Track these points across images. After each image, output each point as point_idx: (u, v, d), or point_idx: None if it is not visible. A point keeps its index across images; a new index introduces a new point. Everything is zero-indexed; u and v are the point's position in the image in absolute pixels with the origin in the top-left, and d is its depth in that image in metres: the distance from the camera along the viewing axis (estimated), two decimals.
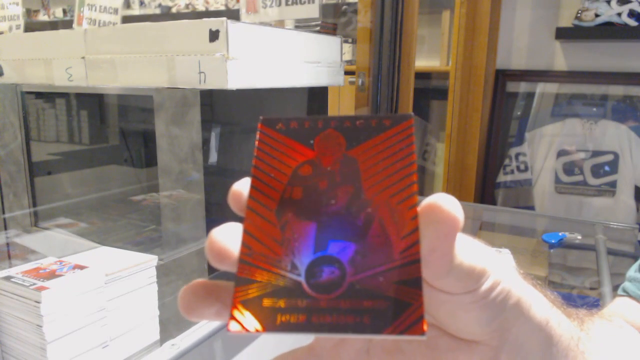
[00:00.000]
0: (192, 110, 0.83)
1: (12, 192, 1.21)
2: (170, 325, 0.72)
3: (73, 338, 0.56)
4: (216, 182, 0.88)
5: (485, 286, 0.23)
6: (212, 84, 0.75)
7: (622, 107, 1.78)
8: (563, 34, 1.77)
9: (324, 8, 2.35)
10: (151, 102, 0.87)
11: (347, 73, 1.13)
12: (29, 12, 3.60)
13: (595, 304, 1.00)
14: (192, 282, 0.23)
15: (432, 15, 2.22)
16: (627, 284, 0.53)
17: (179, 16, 2.96)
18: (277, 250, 0.21)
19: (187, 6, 2.92)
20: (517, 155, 1.90)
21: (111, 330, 0.61)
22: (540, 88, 1.91)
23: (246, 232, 0.22)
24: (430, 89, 2.24)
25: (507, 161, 1.92)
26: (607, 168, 1.77)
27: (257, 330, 0.19)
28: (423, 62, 2.24)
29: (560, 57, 1.87)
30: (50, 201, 1.20)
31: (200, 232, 0.86)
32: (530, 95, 1.93)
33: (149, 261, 0.65)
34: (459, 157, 1.89)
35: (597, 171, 1.78)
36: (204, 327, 0.65)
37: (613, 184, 1.76)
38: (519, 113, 1.95)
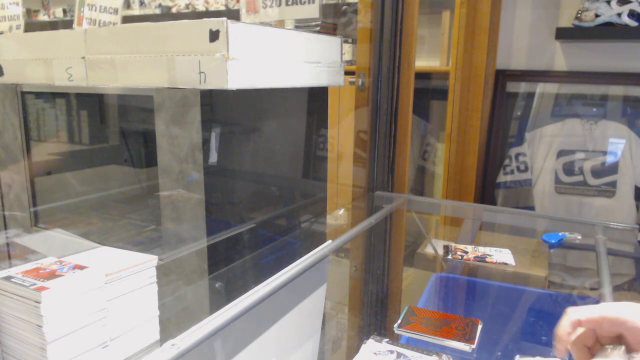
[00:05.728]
0: (192, 110, 0.83)
1: (12, 192, 1.21)
2: (170, 325, 0.72)
3: (73, 338, 0.56)
4: (216, 182, 0.88)
5: None
6: (212, 84, 0.75)
7: (622, 107, 1.78)
8: (563, 34, 1.77)
9: (324, 8, 2.35)
10: (151, 102, 0.87)
11: (347, 73, 1.13)
12: (29, 12, 3.60)
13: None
14: None
15: (432, 15, 2.22)
16: None
17: (179, 16, 2.96)
18: None
19: (187, 6, 2.92)
20: (517, 155, 1.90)
21: (111, 330, 0.61)
22: (540, 88, 1.91)
23: None
24: (430, 89, 2.24)
25: (507, 161, 1.92)
26: (607, 168, 1.77)
27: None
28: (423, 62, 2.24)
29: (560, 57, 1.87)
30: (50, 201, 1.20)
31: (200, 232, 0.87)
32: (530, 96, 1.93)
33: (149, 261, 0.65)
34: (459, 157, 1.89)
35: (597, 171, 1.78)
36: (204, 327, 0.65)
37: (613, 184, 1.76)
38: (519, 113, 1.95)
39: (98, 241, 1.07)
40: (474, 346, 0.88)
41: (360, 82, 1.48)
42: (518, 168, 1.90)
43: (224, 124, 0.88)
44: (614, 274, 0.99)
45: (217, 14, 2.81)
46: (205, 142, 0.84)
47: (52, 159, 1.25)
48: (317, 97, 1.16)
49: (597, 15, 1.64)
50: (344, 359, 1.11)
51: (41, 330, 0.53)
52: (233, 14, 2.69)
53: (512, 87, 1.95)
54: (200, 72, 0.75)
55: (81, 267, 0.60)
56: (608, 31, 1.66)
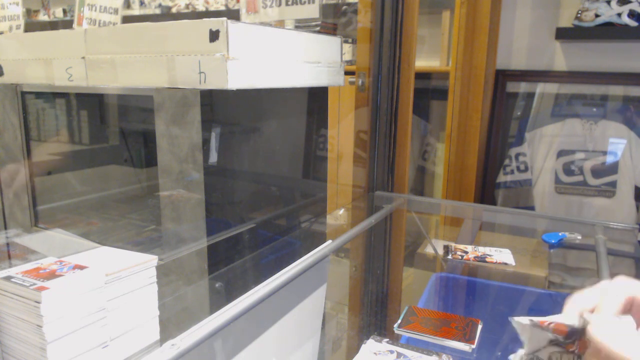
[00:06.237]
0: (192, 110, 0.83)
1: (12, 192, 1.21)
2: (170, 325, 0.72)
3: (73, 338, 0.56)
4: (216, 182, 0.88)
5: None
6: (212, 84, 0.75)
7: (622, 107, 1.78)
8: (563, 34, 1.77)
9: (324, 8, 2.35)
10: (151, 102, 0.87)
11: (347, 73, 1.13)
12: (29, 12, 3.60)
13: None
14: None
15: (432, 15, 2.22)
16: None
17: (179, 16, 2.96)
18: None
19: (187, 6, 2.92)
20: (517, 155, 1.90)
21: (111, 330, 0.61)
22: (540, 88, 1.91)
23: None
24: (430, 89, 2.24)
25: (507, 161, 1.92)
26: (607, 168, 1.77)
27: None
28: (423, 62, 2.24)
29: (560, 57, 1.87)
30: (50, 201, 1.20)
31: (200, 232, 0.87)
32: (530, 96, 1.93)
33: (149, 261, 0.65)
34: (459, 157, 1.89)
35: (597, 171, 1.78)
36: (204, 327, 0.65)
37: (613, 184, 1.76)
38: (519, 113, 1.95)
39: (98, 241, 1.07)
40: (474, 346, 0.88)
41: (360, 82, 1.48)
42: (518, 168, 1.90)
43: (224, 124, 0.88)
44: (614, 274, 0.99)
45: (217, 14, 2.82)
46: (205, 142, 0.84)
47: (52, 159, 1.25)
48: (317, 97, 1.16)
49: (597, 15, 1.64)
50: (344, 359, 1.11)
51: (41, 330, 0.53)
52: (233, 14, 2.69)
53: (512, 87, 1.95)
54: (200, 72, 0.75)
55: (81, 267, 0.60)
56: (608, 31, 1.66)
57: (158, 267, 0.67)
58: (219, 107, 0.87)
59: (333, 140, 1.78)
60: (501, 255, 1.23)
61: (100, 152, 1.28)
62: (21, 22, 1.14)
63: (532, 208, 1.88)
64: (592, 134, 1.79)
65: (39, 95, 1.17)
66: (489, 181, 1.99)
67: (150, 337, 0.67)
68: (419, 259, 1.45)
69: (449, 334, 0.91)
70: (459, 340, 0.89)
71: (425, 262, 1.43)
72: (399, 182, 1.55)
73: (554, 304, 1.15)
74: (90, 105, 1.22)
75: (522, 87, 1.94)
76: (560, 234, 1.25)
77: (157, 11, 3.03)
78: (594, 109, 1.80)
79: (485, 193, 2.00)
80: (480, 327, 0.94)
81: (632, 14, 1.61)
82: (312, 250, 0.94)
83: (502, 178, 1.93)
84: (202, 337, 0.64)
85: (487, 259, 1.21)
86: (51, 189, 1.23)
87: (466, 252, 1.25)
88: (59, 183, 1.26)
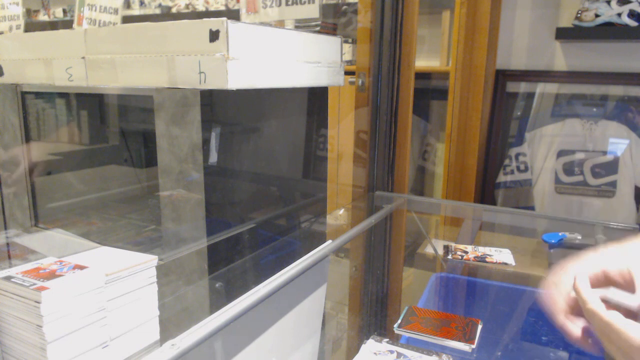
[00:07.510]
0: (192, 110, 0.83)
1: (12, 192, 1.21)
2: (170, 325, 0.72)
3: (73, 338, 0.56)
4: (216, 182, 0.88)
5: None
6: (212, 84, 0.75)
7: (622, 107, 1.78)
8: (563, 34, 1.77)
9: (324, 8, 2.35)
10: (151, 102, 0.87)
11: (347, 73, 1.13)
12: (29, 12, 3.60)
13: None
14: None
15: (432, 15, 2.22)
16: None
17: (179, 16, 2.96)
18: None
19: (187, 6, 2.92)
20: (517, 155, 1.90)
21: (111, 330, 0.61)
22: (540, 88, 1.91)
23: None
24: (430, 89, 2.24)
25: (507, 161, 1.92)
26: (607, 168, 1.77)
27: None
28: (423, 62, 2.24)
29: (560, 57, 1.87)
30: (50, 201, 1.20)
31: (200, 232, 0.87)
32: (530, 96, 1.93)
33: (149, 261, 0.65)
34: (459, 157, 1.89)
35: (597, 171, 1.78)
36: (204, 327, 0.65)
37: (613, 184, 1.76)
38: (519, 113, 1.95)
39: (98, 241, 1.07)
40: (474, 346, 0.88)
41: (360, 82, 1.48)
42: (518, 168, 1.90)
43: (224, 124, 0.88)
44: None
45: (217, 14, 2.81)
46: (205, 142, 0.84)
47: (52, 159, 1.25)
48: (317, 97, 1.16)
49: (597, 15, 1.64)
50: (344, 359, 1.11)
51: (41, 330, 0.53)
52: (233, 14, 2.69)
53: (512, 87, 1.95)
54: (200, 72, 0.75)
55: (81, 267, 0.60)
56: (608, 31, 1.66)
57: (158, 267, 0.67)
58: (219, 107, 0.87)
59: (333, 140, 1.78)
60: (501, 255, 1.23)
61: (100, 152, 1.28)
62: (21, 22, 1.14)
63: (532, 208, 1.88)
64: (592, 134, 1.79)
65: (39, 95, 1.17)
66: (489, 181, 1.99)
67: (150, 337, 0.67)
68: (419, 259, 1.45)
69: (449, 334, 0.91)
70: (459, 340, 0.89)
71: (425, 262, 1.43)
72: (399, 182, 1.55)
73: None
74: (90, 105, 1.22)
75: (522, 87, 1.94)
76: (560, 234, 1.25)
77: (157, 11, 3.03)
78: (594, 109, 1.80)
79: (485, 193, 2.00)
80: (480, 327, 0.94)
81: (632, 14, 1.61)
82: (312, 250, 0.94)
83: (502, 178, 1.93)
84: (202, 337, 0.64)
85: (487, 259, 1.21)
86: (51, 189, 1.23)
87: (466, 252, 1.25)
88: (59, 183, 1.26)
